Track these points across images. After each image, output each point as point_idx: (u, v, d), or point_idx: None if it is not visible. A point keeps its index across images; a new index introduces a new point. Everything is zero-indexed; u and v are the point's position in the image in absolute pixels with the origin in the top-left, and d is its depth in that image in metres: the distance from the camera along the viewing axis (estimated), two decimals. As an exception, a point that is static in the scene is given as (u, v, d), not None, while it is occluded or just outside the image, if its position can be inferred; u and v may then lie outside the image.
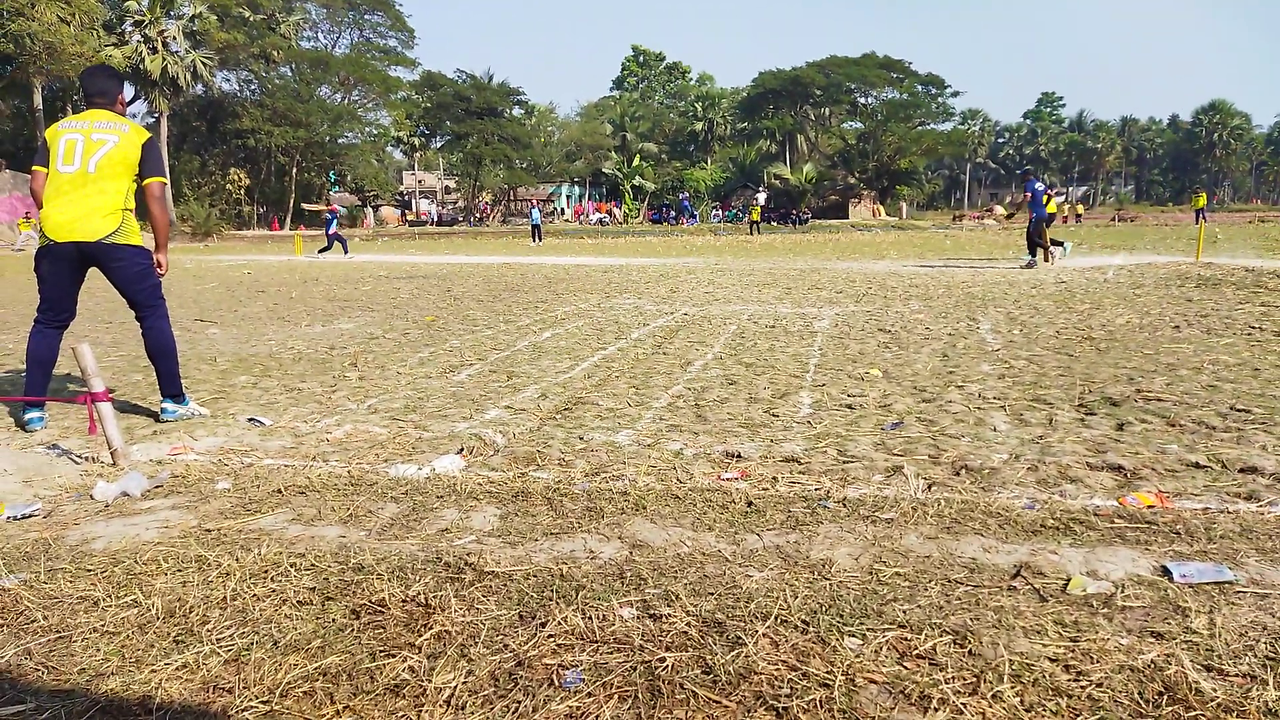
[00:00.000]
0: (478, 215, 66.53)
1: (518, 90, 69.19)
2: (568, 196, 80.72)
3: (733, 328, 8.35)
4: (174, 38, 48.90)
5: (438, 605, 2.44)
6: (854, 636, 2.22)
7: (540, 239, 35.89)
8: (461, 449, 4.11)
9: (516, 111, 71.29)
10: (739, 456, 3.97)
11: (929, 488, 3.48)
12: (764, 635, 2.23)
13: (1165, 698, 1.92)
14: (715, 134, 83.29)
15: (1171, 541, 2.80)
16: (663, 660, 2.12)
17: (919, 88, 70.27)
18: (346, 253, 25.46)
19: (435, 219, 66.09)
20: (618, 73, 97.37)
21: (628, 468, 3.79)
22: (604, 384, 5.70)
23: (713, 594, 2.48)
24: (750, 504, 3.25)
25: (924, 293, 11.44)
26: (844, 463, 3.86)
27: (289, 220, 56.11)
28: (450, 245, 34.58)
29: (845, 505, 3.23)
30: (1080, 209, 65.23)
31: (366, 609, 2.43)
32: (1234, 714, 1.85)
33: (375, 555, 2.81)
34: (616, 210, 69.61)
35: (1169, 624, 2.25)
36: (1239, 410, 4.60)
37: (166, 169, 4.67)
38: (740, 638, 2.21)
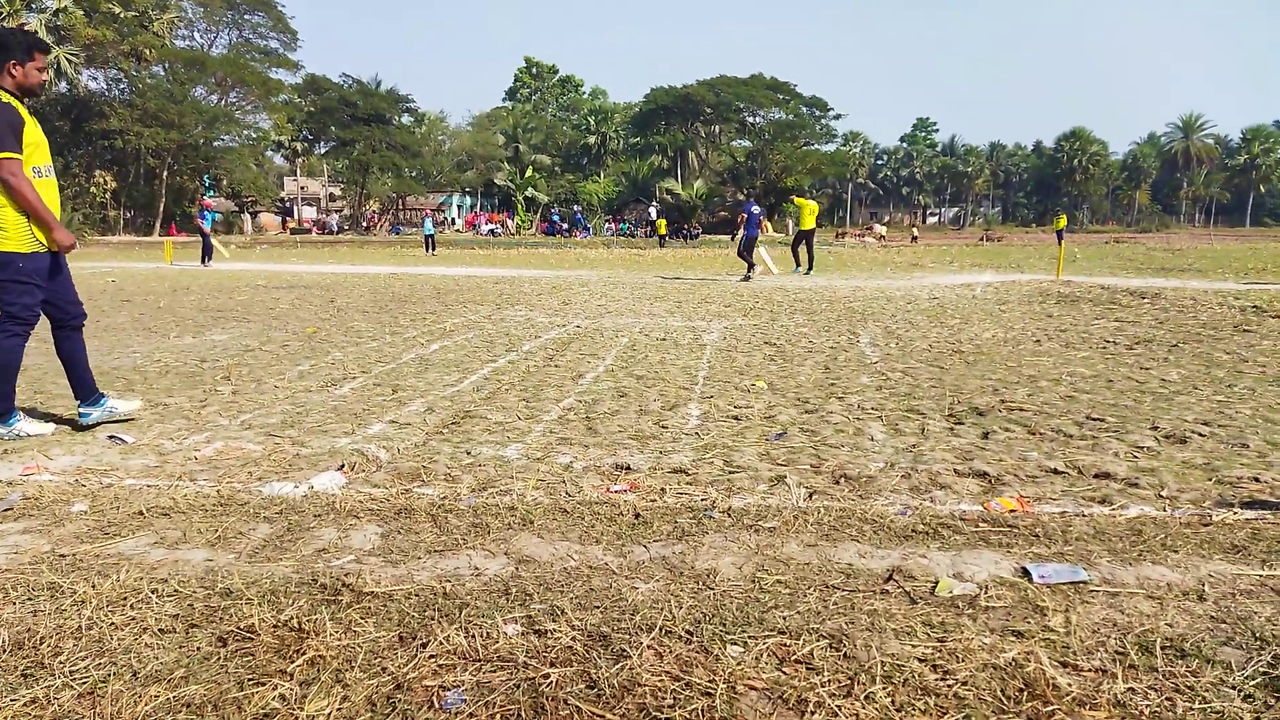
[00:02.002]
0: (365, 224, 64.79)
1: (407, 97, 67.95)
2: (459, 206, 79.64)
3: (624, 340, 8.40)
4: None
5: (312, 629, 2.35)
6: (736, 644, 2.26)
7: (434, 249, 35.27)
8: (342, 465, 3.98)
9: (406, 119, 69.97)
10: (628, 468, 3.98)
11: (810, 496, 3.58)
12: (649, 647, 2.24)
13: (1025, 694, 2.02)
14: (608, 148, 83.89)
15: (1031, 544, 2.97)
16: (547, 676, 2.10)
17: (804, 109, 72.70)
18: (205, 263, 23.72)
19: (335, 228, 63.84)
20: (510, 83, 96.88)
21: (516, 482, 3.75)
22: (493, 397, 5.64)
23: (599, 607, 2.48)
24: (638, 516, 3.26)
25: (808, 307, 11.79)
26: (730, 473, 3.93)
27: (159, 225, 53.26)
28: (335, 254, 33.54)
29: (730, 515, 3.28)
30: (915, 229, 68.95)
31: (234, 635, 2.32)
32: (1087, 707, 1.97)
33: (245, 579, 2.69)
34: (509, 221, 69.12)
35: (1028, 623, 2.38)
36: (1094, 419, 4.92)
37: (12, 142, 4.19)
38: (625, 650, 2.22)
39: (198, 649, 2.26)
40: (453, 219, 75.84)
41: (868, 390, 5.85)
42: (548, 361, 7.10)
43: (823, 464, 4.06)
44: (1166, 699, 1.98)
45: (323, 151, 70.61)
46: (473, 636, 2.29)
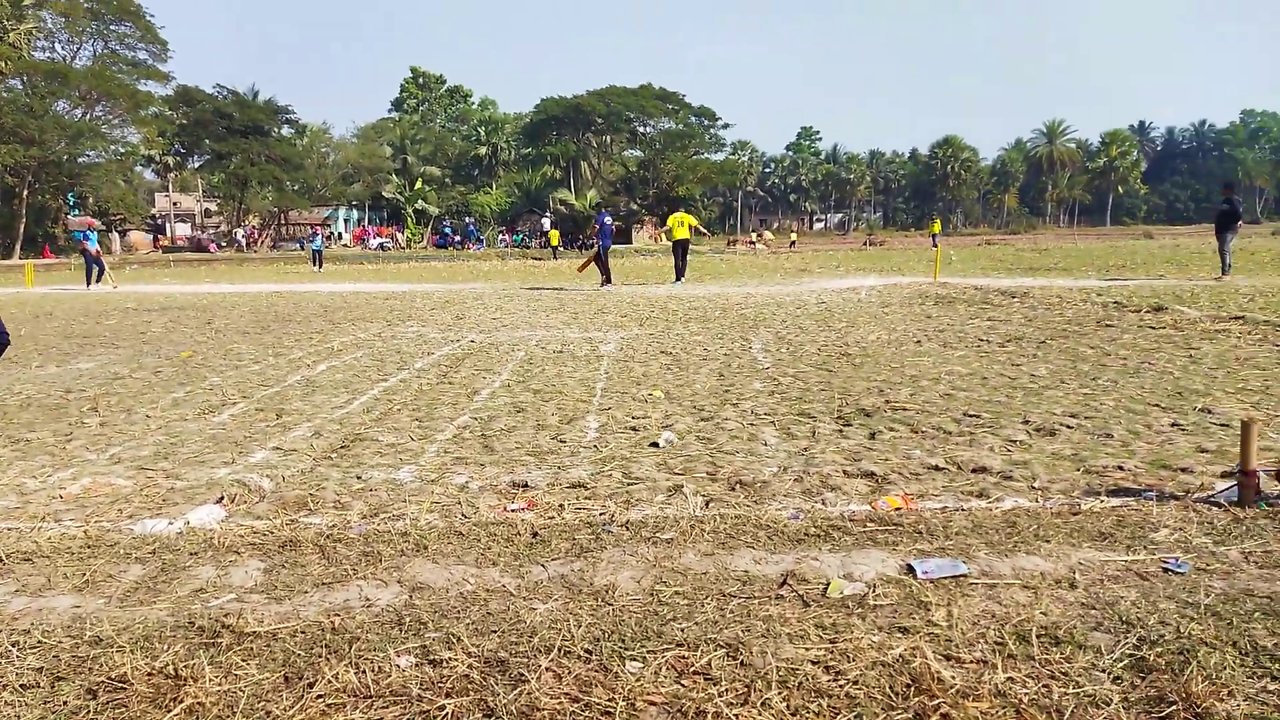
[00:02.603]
0: (244, 240, 62.22)
1: (286, 108, 65.76)
2: (345, 220, 77.45)
3: (520, 354, 8.33)
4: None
5: (190, 675, 2.23)
6: (635, 660, 2.26)
7: (320, 265, 34.19)
8: (221, 498, 3.80)
9: (286, 131, 67.61)
10: (526, 486, 3.95)
11: (707, 504, 3.62)
12: (547, 669, 2.22)
13: (912, 689, 2.10)
14: (499, 159, 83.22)
15: (915, 540, 3.08)
16: (442, 709, 2.06)
17: (693, 119, 73.79)
18: (90, 284, 22.72)
19: (217, 245, 60.80)
20: (396, 94, 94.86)
21: (409, 506, 3.66)
22: (384, 418, 5.49)
23: (496, 632, 2.44)
24: (536, 534, 3.23)
25: (702, 315, 11.96)
26: (628, 485, 3.94)
27: (18, 247, 49.83)
28: (212, 272, 32.10)
29: (629, 528, 3.29)
30: (794, 236, 71.20)
31: (105, 686, 2.18)
32: (970, 698, 2.05)
33: (116, 625, 2.53)
34: (399, 235, 67.61)
35: (914, 619, 2.46)
36: (971, 415, 5.15)
37: None
38: (523, 674, 2.19)
39: (65, 703, 2.11)
40: (339, 233, 73.58)
41: (761, 395, 5.97)
42: (441, 379, 6.98)
43: (719, 471, 4.12)
44: (1043, 686, 2.08)
45: (197, 165, 67.56)
46: (363, 672, 2.22)
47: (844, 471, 4.05)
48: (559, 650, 2.31)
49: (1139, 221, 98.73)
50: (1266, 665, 2.12)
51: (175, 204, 72.36)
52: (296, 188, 66.86)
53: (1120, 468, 3.98)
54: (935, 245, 30.47)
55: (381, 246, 58.67)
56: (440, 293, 18.18)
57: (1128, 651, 2.22)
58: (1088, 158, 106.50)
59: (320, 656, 2.32)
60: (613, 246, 18.70)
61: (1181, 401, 5.41)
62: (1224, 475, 3.70)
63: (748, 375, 6.84)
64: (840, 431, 4.88)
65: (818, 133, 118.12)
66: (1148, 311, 10.41)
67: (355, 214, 77.45)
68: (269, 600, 2.72)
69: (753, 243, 61.55)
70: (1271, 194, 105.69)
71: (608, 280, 18.48)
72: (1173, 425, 4.80)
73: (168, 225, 70.79)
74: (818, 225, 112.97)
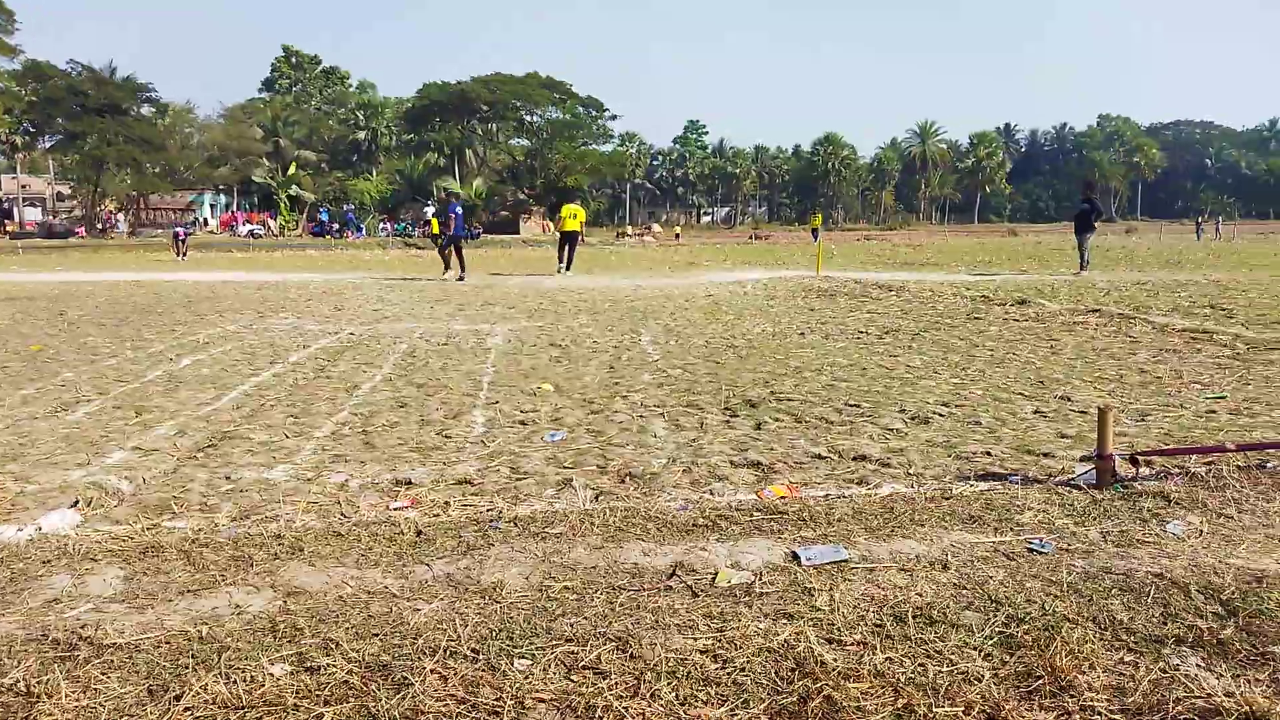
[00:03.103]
0: (100, 225, 58.34)
1: (146, 86, 61.87)
2: (212, 205, 73.64)
3: (403, 346, 8.10)
4: None
5: (43, 692, 2.06)
6: (524, 658, 2.22)
7: (184, 253, 32.39)
8: (76, 502, 3.54)
9: (146, 110, 63.65)
10: (410, 483, 3.83)
11: (597, 498, 3.61)
12: (432, 671, 2.15)
13: (796, 673, 2.14)
14: (380, 144, 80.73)
15: (800, 528, 3.15)
16: (320, 717, 1.97)
17: (580, 109, 73.55)
18: None
19: (86, 230, 56.36)
20: (267, 74, 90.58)
21: (284, 507, 3.50)
22: (256, 414, 5.24)
23: (377, 635, 2.36)
24: (420, 533, 3.14)
25: (591, 307, 11.94)
26: (517, 480, 3.89)
27: None
28: (65, 260, 29.96)
29: (517, 524, 3.24)
30: (678, 229, 72.34)
31: (-61, 713, 1.99)
32: (851, 680, 2.10)
33: (-47, 644, 2.31)
34: (271, 221, 64.73)
35: (798, 604, 2.51)
36: (851, 405, 5.32)
37: None
38: (407, 678, 2.12)
39: (-112, 736, 1.92)
40: (204, 219, 69.89)
41: (650, 388, 5.99)
42: (318, 373, 6.71)
43: (609, 464, 4.11)
44: (919, 665, 2.16)
45: (48, 146, 62.86)
46: (234, 682, 2.10)
47: (731, 462, 4.11)
48: (444, 651, 2.25)
49: (1005, 219, 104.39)
50: (1123, 639, 2.26)
51: (24, 187, 67.16)
52: (157, 170, 63.12)
53: (988, 453, 4.18)
54: (816, 240, 31.39)
55: (252, 234, 56.04)
56: (317, 283, 17.52)
57: (997, 629, 2.33)
58: (958, 158, 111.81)
59: (187, 668, 2.18)
60: (456, 234, 18.40)
61: (1043, 390, 5.74)
62: (1083, 459, 3.94)
63: (637, 367, 6.86)
64: (727, 422, 4.96)
65: (704, 127, 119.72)
66: (1012, 305, 11.00)
67: (223, 199, 73.72)
68: (130, 610, 2.54)
69: (641, 235, 61.94)
70: (1125, 194, 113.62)
71: (461, 272, 18.10)
72: (1035, 412, 5.08)
73: (15, 209, 65.66)
74: (705, 219, 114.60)
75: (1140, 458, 3.73)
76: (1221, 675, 2.07)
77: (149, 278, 19.58)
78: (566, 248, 20.07)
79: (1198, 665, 2.12)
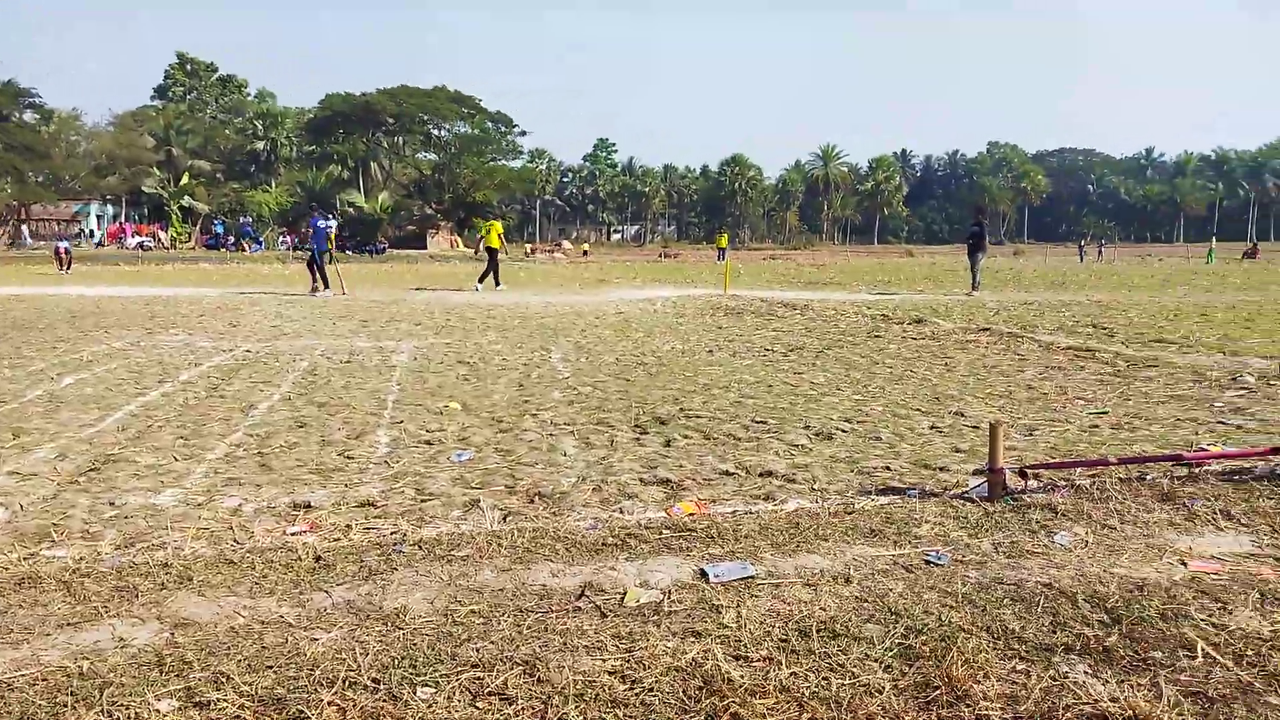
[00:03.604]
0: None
1: (29, 91, 58.67)
2: (99, 216, 70.07)
3: (303, 364, 7.85)
4: None
5: (-104, 742, 1.91)
6: (427, 686, 2.17)
7: (68, 267, 30.70)
8: (-60, 532, 3.29)
9: (30, 116, 60.31)
10: (309, 507, 3.71)
11: (504, 518, 3.56)
12: (330, 703, 2.08)
13: (704, 691, 2.14)
14: (280, 155, 78.28)
15: (708, 545, 3.18)
16: (210, 755, 1.87)
17: (489, 124, 73.01)
18: None
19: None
20: (160, 81, 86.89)
21: (172, 534, 3.34)
22: (143, 436, 4.99)
23: (272, 667, 2.26)
24: (319, 559, 3.04)
25: (500, 324, 11.82)
26: (422, 501, 3.80)
27: None
28: (-65, 272, 28.02)
29: (422, 547, 3.16)
30: (585, 246, 72.61)
31: None
32: (757, 695, 2.12)
33: None
34: (162, 234, 61.92)
35: (706, 622, 2.53)
36: (758, 422, 5.41)
37: None
38: (303, 711, 2.04)
39: None
40: (90, 231, 66.39)
41: (560, 405, 5.96)
42: (211, 392, 6.44)
43: (517, 484, 4.06)
44: (823, 679, 2.20)
45: (-82, 152, 58.83)
46: (116, 722, 1.98)
47: (641, 479, 4.12)
48: (343, 682, 2.18)
49: (902, 241, 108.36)
50: (1015, 648, 2.36)
51: (-112, 193, 62.56)
52: (40, 179, 59.81)
53: (888, 468, 4.31)
54: (722, 259, 31.87)
55: (141, 246, 53.43)
56: (211, 297, 16.84)
57: (897, 641, 2.39)
58: (858, 180, 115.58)
59: (66, 706, 2.05)
60: (318, 249, 18.21)
61: (939, 406, 5.95)
62: (976, 473, 4.10)
63: (547, 385, 6.82)
64: (637, 440, 4.97)
65: (614, 145, 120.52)
66: (910, 324, 11.40)
67: (111, 209, 70.22)
68: (3, 645, 2.38)
69: (551, 251, 61.79)
70: (1013, 218, 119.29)
71: (323, 287, 17.83)
72: (931, 428, 5.26)
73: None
74: (615, 236, 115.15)
75: (1029, 471, 3.90)
76: (1107, 681, 2.17)
77: (29, 291, 18.48)
78: (496, 263, 20.26)
79: (1085, 672, 2.22)
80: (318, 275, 17.86)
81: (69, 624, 2.52)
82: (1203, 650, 2.29)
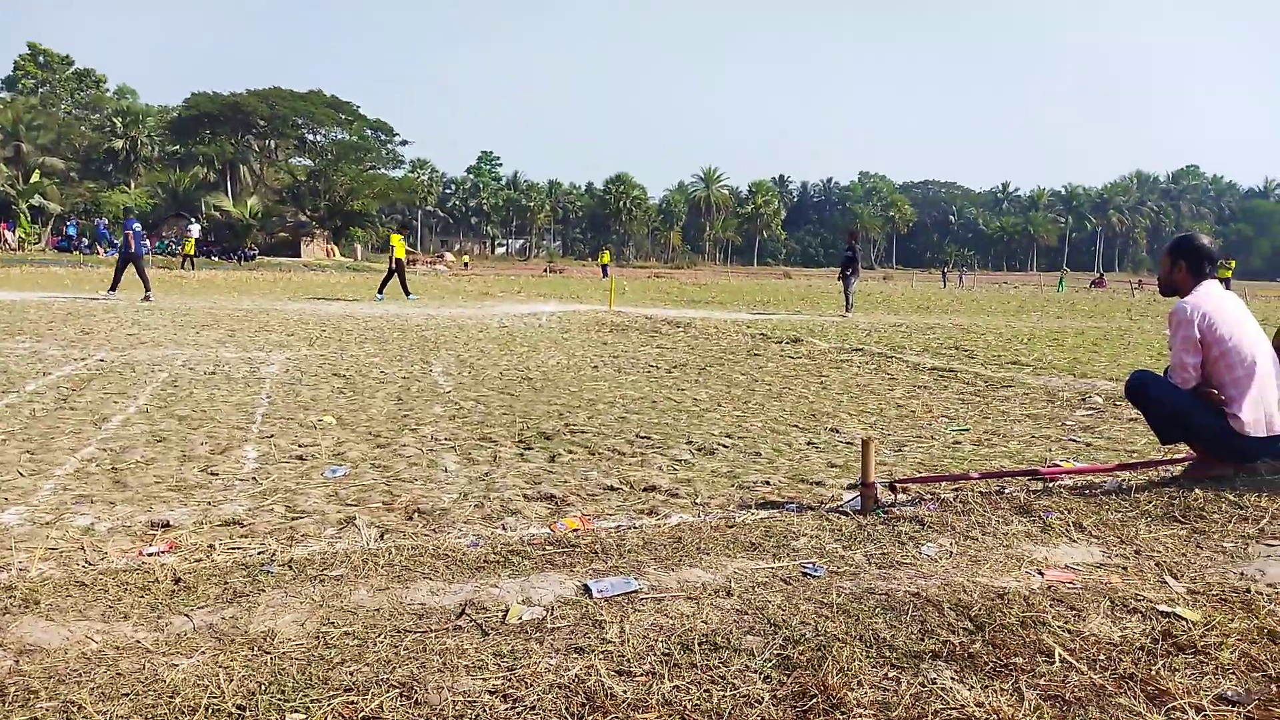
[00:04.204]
0: None
1: None
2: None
3: (163, 375, 7.42)
4: None
5: None
6: (296, 712, 2.07)
7: None
8: None
9: None
10: (167, 525, 3.50)
11: (381, 536, 3.45)
12: (192, 733, 1.96)
13: (587, 707, 2.13)
14: (140, 154, 74.03)
15: (592, 560, 3.17)
16: (53, 795, 1.73)
17: (368, 131, 71.24)
18: None
19: None
20: (9, 72, 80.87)
21: (17, 554, 3.08)
22: (-19, 450, 4.59)
23: (128, 695, 2.11)
24: (179, 580, 2.86)
25: (379, 336, 11.50)
26: (293, 519, 3.64)
27: None
28: None
29: (292, 567, 3.03)
30: (467, 259, 72.08)
31: None
32: (640, 710, 2.13)
33: None
34: (9, 234, 57.44)
35: (589, 638, 2.52)
36: (642, 437, 5.44)
37: None
38: (161, 743, 1.91)
39: None
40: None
41: (441, 420, 5.84)
42: (61, 403, 6.00)
43: (395, 500, 3.95)
44: (705, 691, 2.22)
45: None
46: (-56, 764, 1.81)
47: (525, 495, 4.08)
48: (205, 709, 2.05)
49: (780, 263, 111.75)
50: (887, 655, 2.44)
51: None
52: None
53: (767, 482, 4.42)
54: (606, 275, 32.06)
55: (-15, 246, 49.47)
56: (62, 303, 15.72)
57: (775, 651, 2.45)
58: (739, 203, 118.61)
59: (-122, 752, 1.85)
60: (136, 254, 18.38)
61: (815, 422, 6.15)
62: (850, 487, 4.25)
63: (428, 399, 6.67)
64: (521, 455, 4.92)
65: (498, 158, 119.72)
66: (787, 343, 11.75)
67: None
68: None
69: (433, 263, 60.60)
70: (883, 244, 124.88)
71: (112, 287, 18.26)
72: (808, 444, 5.43)
73: None
74: (499, 249, 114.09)
75: (898, 485, 4.08)
76: (973, 687, 2.28)
77: None
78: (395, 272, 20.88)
79: (952, 678, 2.33)
80: (120, 278, 18.22)
81: (-112, 657, 2.28)
82: (1060, 655, 2.44)
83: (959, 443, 5.58)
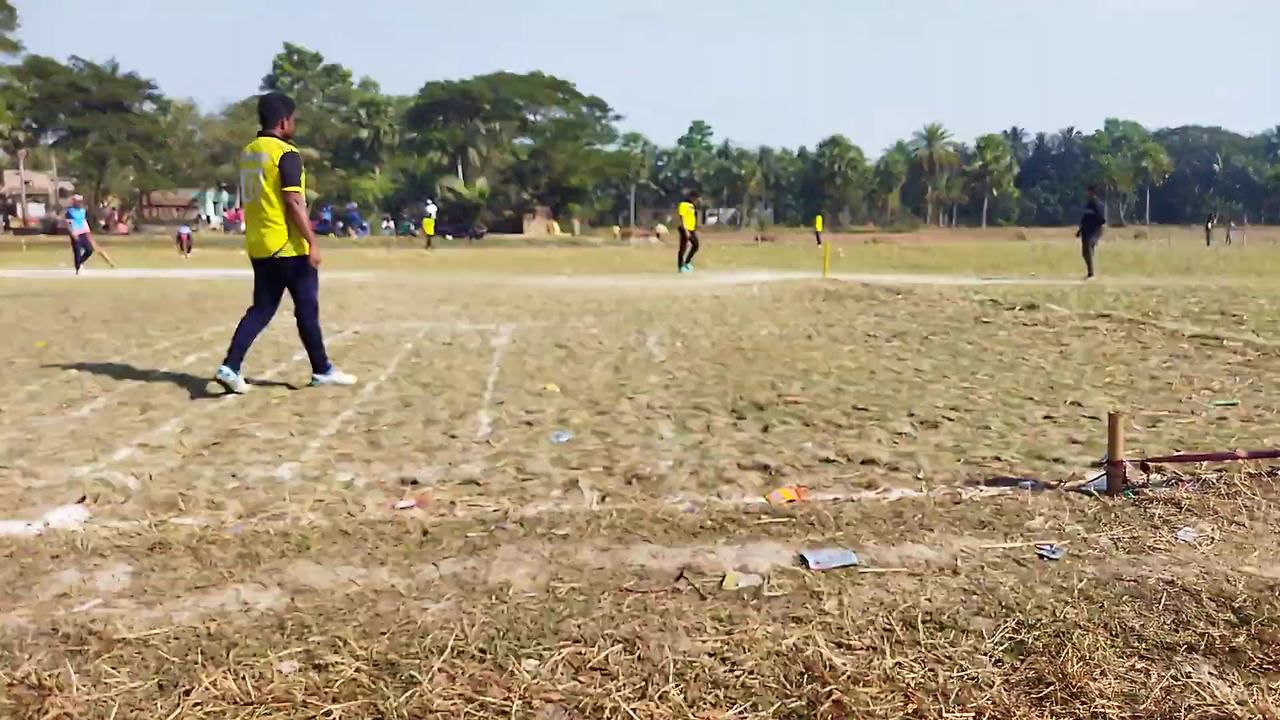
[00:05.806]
0: (103, 222, 58.48)
1: (148, 83, 62.13)
2: (215, 203, 73.82)
3: (408, 346, 8.10)
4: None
5: (55, 685, 2.06)
6: (531, 658, 2.21)
7: (189, 249, 32.51)
8: (84, 497, 3.54)
9: (148, 107, 63.87)
10: (415, 483, 3.83)
11: (603, 499, 3.60)
12: (439, 670, 2.14)
13: (805, 676, 2.12)
14: (383, 142, 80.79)
15: (808, 531, 3.14)
16: (329, 714, 1.96)
17: (584, 109, 73.62)
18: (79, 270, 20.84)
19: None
20: (269, 71, 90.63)
21: (290, 505, 3.50)
22: (262, 412, 5.24)
23: (385, 633, 2.35)
24: (426, 533, 3.14)
25: (597, 308, 11.93)
26: (523, 481, 3.87)
27: None
28: (68, 257, 30.02)
29: (523, 525, 3.23)
30: (662, 228, 71.22)
31: (-53, 708, 1.99)
32: (860, 684, 2.09)
33: (-38, 638, 2.31)
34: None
35: (806, 608, 2.50)
36: (859, 409, 5.30)
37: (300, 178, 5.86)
38: (415, 676, 2.11)
39: (-104, 730, 1.91)
40: (208, 216, 69.94)
41: (656, 389, 5.98)
42: (325, 370, 6.70)
43: (615, 465, 4.10)
44: (929, 670, 2.14)
45: (51, 142, 63.14)
46: (243, 679, 2.10)
47: (738, 464, 4.10)
48: (452, 650, 2.24)
49: (1013, 223, 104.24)
50: (1135, 645, 2.25)
51: (27, 183, 67.37)
52: (160, 167, 63.34)
53: (998, 458, 4.17)
54: (819, 241, 31.35)
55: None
56: (320, 282, 17.53)
57: (1007, 635, 2.32)
58: (965, 161, 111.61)
59: (196, 663, 2.18)
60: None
61: (1053, 395, 5.71)
62: (1093, 465, 3.92)
63: (643, 369, 6.85)
64: (734, 425, 4.94)
65: (709, 127, 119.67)
66: (1021, 309, 10.97)
67: (225, 196, 73.84)
68: (139, 605, 2.54)
69: (646, 235, 61.94)
70: (1133, 199, 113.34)
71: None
72: (1045, 418, 5.06)
73: (19, 205, 65.82)
74: (711, 220, 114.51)
75: (1151, 464, 3.71)
76: (1234, 684, 2.05)
77: (153, 275, 19.62)
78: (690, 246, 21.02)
79: (1210, 673, 2.11)
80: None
81: (197, 588, 2.67)
82: (1346, 658, 2.14)
83: (1224, 419, 4.99)
